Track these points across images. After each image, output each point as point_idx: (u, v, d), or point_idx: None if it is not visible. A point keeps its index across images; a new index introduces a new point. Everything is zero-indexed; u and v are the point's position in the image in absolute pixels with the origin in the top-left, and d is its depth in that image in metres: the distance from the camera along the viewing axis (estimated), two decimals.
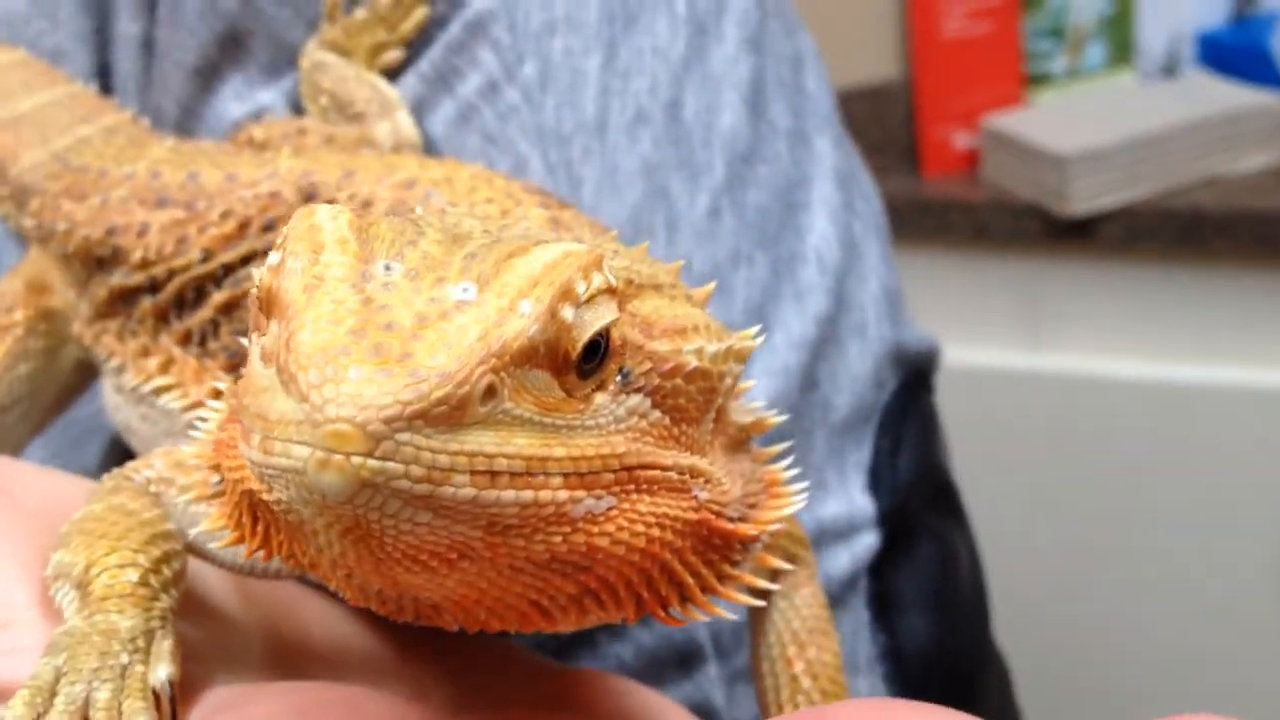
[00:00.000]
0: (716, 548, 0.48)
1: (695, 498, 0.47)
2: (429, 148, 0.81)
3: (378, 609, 0.47)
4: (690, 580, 0.48)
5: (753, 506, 0.51)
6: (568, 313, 0.42)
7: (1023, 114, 1.85)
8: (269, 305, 0.43)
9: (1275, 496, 1.74)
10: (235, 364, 0.63)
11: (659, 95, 0.82)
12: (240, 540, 0.47)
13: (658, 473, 0.45)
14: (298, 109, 0.84)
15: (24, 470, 0.62)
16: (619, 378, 0.45)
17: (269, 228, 0.65)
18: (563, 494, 0.42)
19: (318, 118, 0.81)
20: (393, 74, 0.83)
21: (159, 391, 0.66)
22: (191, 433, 0.52)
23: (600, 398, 0.44)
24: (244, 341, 0.58)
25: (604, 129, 0.80)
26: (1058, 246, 1.78)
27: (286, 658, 0.57)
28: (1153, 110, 1.78)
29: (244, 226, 0.65)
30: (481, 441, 0.40)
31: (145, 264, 0.67)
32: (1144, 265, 1.78)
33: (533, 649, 0.65)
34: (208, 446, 0.50)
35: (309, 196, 0.65)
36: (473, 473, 0.40)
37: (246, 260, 0.65)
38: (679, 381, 0.46)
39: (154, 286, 0.67)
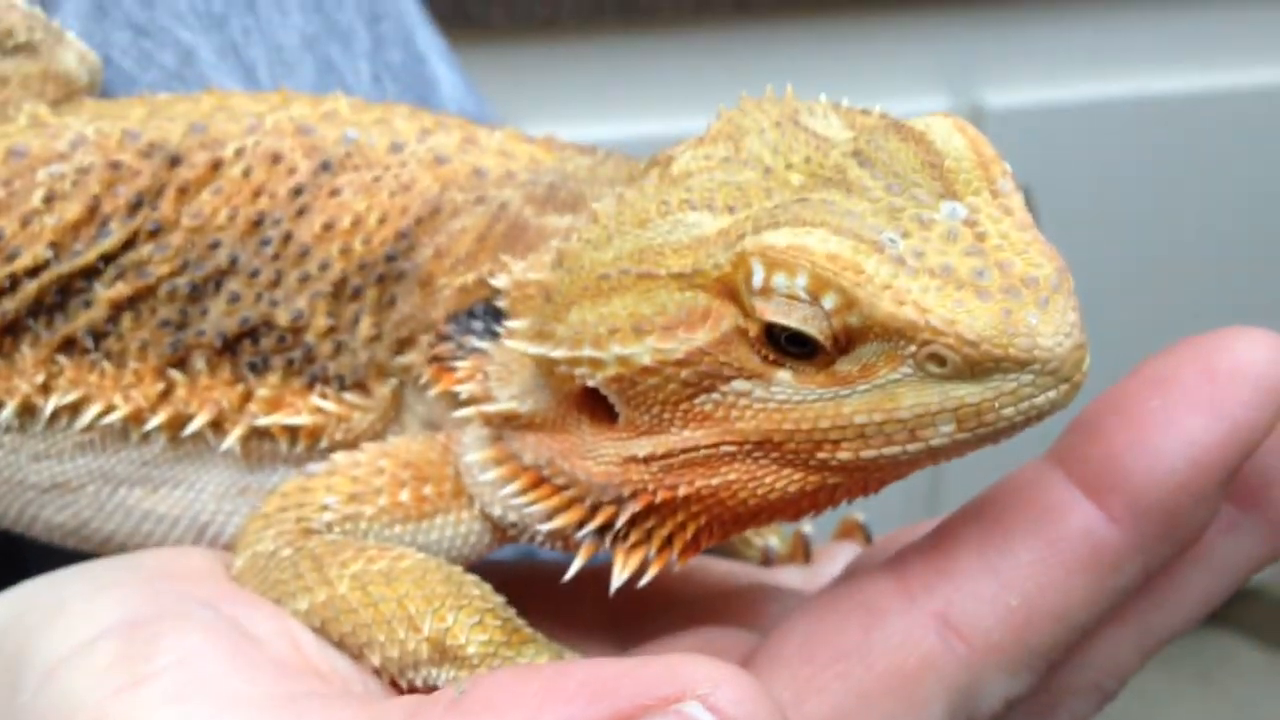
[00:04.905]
0: None
1: None
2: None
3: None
4: None
5: None
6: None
7: None
8: (847, 337, 0.45)
9: None
10: (181, 358, 0.59)
11: None
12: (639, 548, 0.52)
13: None
14: None
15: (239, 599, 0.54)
16: None
17: (137, 205, 0.59)
18: None
19: None
20: None
21: (61, 413, 0.59)
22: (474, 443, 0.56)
23: None
24: (187, 335, 0.58)
25: (252, 2, 0.77)
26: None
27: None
28: None
29: (93, 210, 0.59)
30: None
31: None
32: None
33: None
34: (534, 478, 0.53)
35: (173, 161, 0.59)
36: None
37: (129, 245, 0.59)
38: None
39: None
